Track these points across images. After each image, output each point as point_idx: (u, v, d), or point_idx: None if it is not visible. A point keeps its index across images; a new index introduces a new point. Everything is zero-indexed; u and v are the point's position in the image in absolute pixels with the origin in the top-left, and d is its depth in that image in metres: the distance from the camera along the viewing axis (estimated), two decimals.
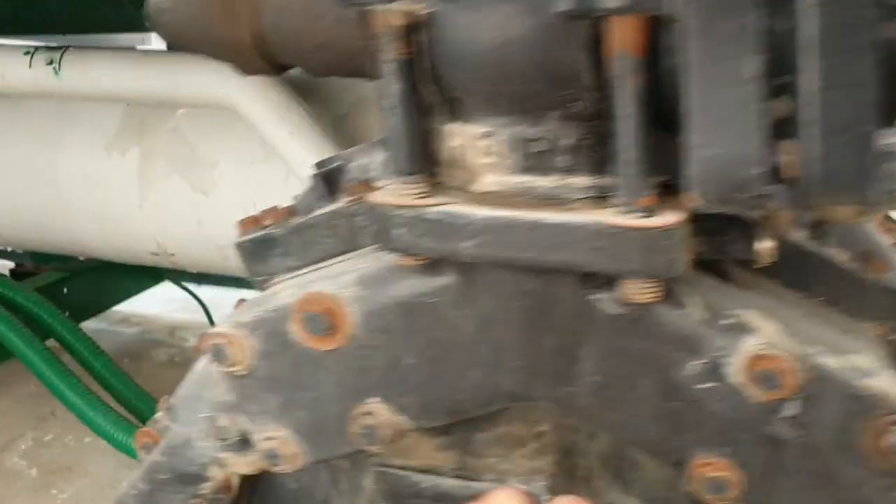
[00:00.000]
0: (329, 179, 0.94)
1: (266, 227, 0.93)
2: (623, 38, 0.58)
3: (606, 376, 0.69)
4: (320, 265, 0.90)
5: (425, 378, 0.73)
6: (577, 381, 0.69)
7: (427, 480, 0.85)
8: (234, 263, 3.43)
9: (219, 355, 0.77)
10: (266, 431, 0.79)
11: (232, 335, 0.76)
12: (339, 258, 0.89)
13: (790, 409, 0.65)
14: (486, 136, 0.65)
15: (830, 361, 0.64)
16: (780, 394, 0.65)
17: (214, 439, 0.81)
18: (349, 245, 0.88)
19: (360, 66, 0.73)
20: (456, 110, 0.66)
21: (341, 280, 0.76)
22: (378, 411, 0.74)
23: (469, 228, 0.65)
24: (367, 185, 0.90)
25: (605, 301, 0.66)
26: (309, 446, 0.78)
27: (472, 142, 0.65)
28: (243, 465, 0.81)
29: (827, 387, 0.64)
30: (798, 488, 0.66)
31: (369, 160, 0.96)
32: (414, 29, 0.64)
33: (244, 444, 0.80)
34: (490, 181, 0.66)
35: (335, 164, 0.92)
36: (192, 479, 0.85)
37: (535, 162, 0.65)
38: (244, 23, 0.75)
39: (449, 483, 0.85)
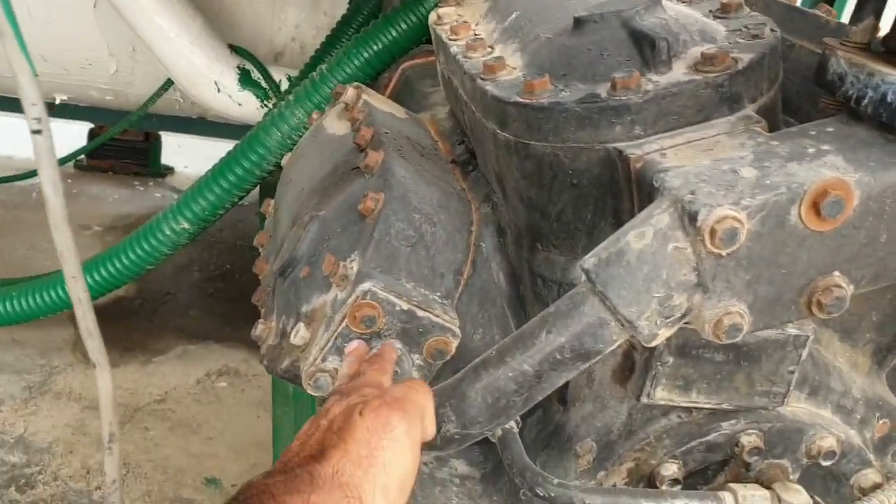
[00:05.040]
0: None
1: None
2: None
3: None
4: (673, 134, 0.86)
5: (888, 252, 0.79)
6: None
7: None
8: None
9: (729, 238, 0.72)
10: (721, 307, 0.77)
11: (741, 218, 0.73)
12: (691, 129, 0.87)
13: None
14: None
15: None
16: None
17: (659, 317, 0.77)
18: (701, 117, 0.87)
19: None
20: None
21: (830, 163, 0.76)
22: (841, 283, 0.78)
23: None
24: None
25: None
26: (756, 317, 0.79)
27: None
28: (664, 336, 0.79)
29: None
30: None
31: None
32: None
33: (682, 319, 0.78)
34: None
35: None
36: (590, 356, 0.80)
37: None
38: None
39: None
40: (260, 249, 1.42)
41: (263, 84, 2.47)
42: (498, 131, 0.99)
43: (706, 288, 0.76)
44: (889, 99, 0.77)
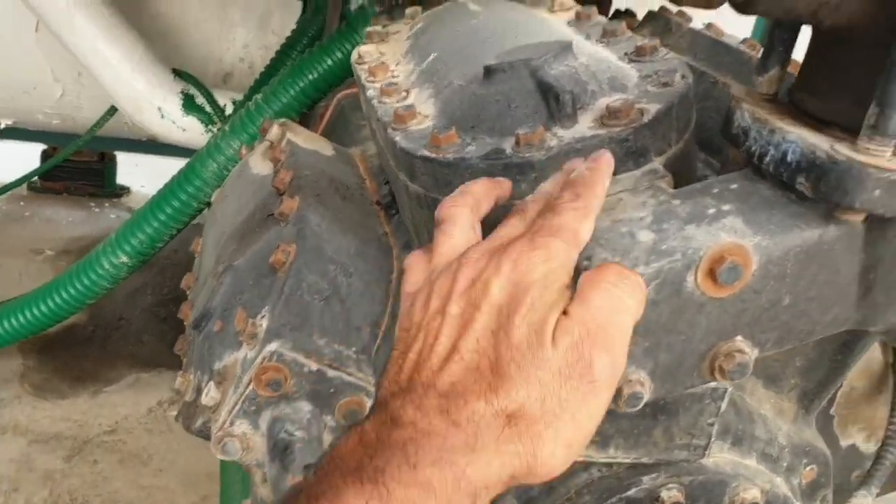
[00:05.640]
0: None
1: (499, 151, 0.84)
2: None
3: None
4: None
5: (792, 316, 0.77)
6: None
7: None
8: None
9: None
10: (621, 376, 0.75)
11: None
12: None
13: None
14: None
15: None
16: None
17: None
18: None
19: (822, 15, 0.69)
20: None
21: (729, 225, 0.74)
22: (744, 348, 0.76)
23: None
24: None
25: None
26: (657, 384, 0.77)
27: None
28: None
29: None
30: None
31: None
32: None
33: None
34: None
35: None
36: None
37: None
38: None
39: None
40: (187, 292, 1.39)
41: (208, 109, 2.43)
42: (409, 183, 0.96)
43: None
44: (789, 158, 0.75)
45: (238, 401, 0.95)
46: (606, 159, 0.75)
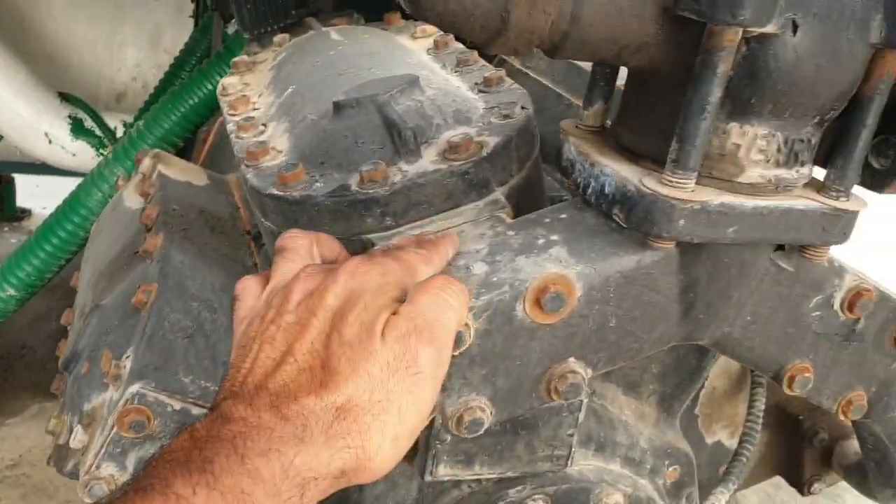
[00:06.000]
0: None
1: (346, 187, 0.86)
2: (892, 66, 0.72)
3: (755, 316, 0.86)
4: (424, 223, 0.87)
5: (620, 336, 0.81)
6: (735, 322, 0.85)
7: None
8: None
9: (457, 340, 0.73)
10: (462, 403, 0.78)
11: (467, 321, 0.74)
12: (441, 217, 0.87)
13: (861, 324, 0.91)
14: (766, 136, 0.73)
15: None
16: (858, 314, 0.90)
17: None
18: (450, 204, 0.87)
19: (625, 57, 0.72)
20: (739, 114, 0.73)
21: (554, 255, 0.77)
22: (577, 369, 0.80)
23: (737, 216, 0.74)
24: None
25: (783, 260, 0.83)
26: (498, 408, 0.80)
27: (751, 141, 0.73)
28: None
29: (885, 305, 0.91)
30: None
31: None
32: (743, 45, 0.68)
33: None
34: (754, 174, 0.75)
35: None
36: None
37: (786, 157, 0.75)
38: (546, 13, 0.67)
39: None
40: (68, 329, 1.38)
41: (98, 132, 2.40)
42: (262, 219, 0.98)
43: (444, 386, 0.77)
44: (606, 191, 0.79)
45: (104, 443, 0.96)
46: (455, 237, 0.81)
